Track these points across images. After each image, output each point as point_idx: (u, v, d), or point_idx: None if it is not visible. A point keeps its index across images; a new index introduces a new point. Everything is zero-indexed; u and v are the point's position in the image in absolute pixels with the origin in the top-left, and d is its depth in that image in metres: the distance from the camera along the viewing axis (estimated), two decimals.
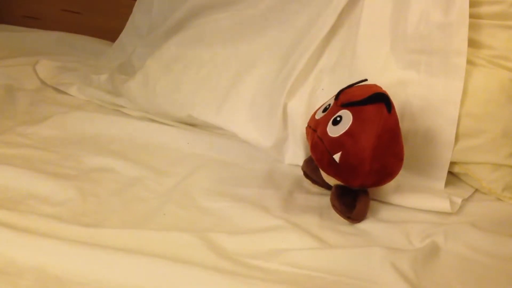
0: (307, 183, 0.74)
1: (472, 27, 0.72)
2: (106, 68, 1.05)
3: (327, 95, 0.73)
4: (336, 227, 0.64)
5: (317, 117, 0.69)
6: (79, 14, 1.28)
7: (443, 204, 0.68)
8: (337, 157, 0.63)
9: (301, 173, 0.75)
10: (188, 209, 0.65)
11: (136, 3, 1.16)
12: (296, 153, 0.80)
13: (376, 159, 0.62)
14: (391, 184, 0.67)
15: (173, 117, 0.87)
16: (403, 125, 0.68)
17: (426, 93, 0.73)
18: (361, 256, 0.57)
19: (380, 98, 0.64)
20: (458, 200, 0.70)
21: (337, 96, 0.67)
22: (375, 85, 0.67)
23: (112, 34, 1.20)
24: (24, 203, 0.62)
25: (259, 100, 0.80)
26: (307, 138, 0.71)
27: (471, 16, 0.72)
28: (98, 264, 0.48)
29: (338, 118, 0.64)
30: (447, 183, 0.74)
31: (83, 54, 1.17)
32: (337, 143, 0.63)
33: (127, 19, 1.19)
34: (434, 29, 0.72)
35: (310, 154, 0.70)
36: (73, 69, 1.07)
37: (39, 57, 1.08)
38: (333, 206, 0.65)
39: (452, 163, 0.74)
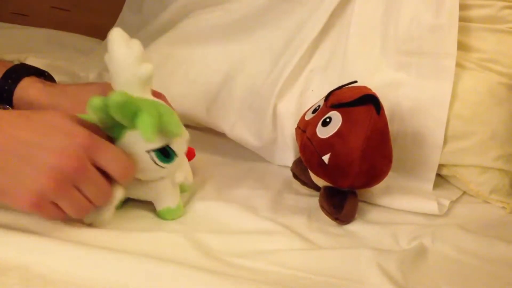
0: (296, 184, 0.74)
1: (461, 30, 0.72)
2: (95, 66, 1.04)
3: (317, 96, 0.73)
4: (324, 228, 0.64)
5: (306, 118, 0.69)
6: (69, 11, 1.27)
7: (431, 206, 0.68)
8: (326, 158, 0.63)
9: (290, 174, 0.74)
10: None
11: (126, 1, 1.16)
12: (285, 154, 0.80)
13: (365, 160, 0.62)
14: (380, 185, 0.67)
15: None
16: (393, 127, 0.68)
17: (416, 95, 0.73)
18: (349, 257, 0.56)
19: (369, 100, 0.64)
20: (446, 202, 0.70)
21: (327, 97, 0.67)
22: (364, 87, 0.67)
23: (101, 32, 1.18)
24: None
25: (249, 100, 0.79)
26: (297, 139, 0.70)
27: (461, 19, 0.72)
28: (83, 263, 0.48)
29: (328, 120, 0.64)
30: (435, 186, 0.74)
31: (72, 52, 1.15)
32: (326, 144, 0.63)
33: (117, 17, 1.18)
34: (424, 31, 0.73)
35: (299, 155, 0.69)
36: (62, 67, 1.06)
37: (27, 55, 1.06)
38: (322, 207, 0.65)
39: (440, 166, 0.74)
